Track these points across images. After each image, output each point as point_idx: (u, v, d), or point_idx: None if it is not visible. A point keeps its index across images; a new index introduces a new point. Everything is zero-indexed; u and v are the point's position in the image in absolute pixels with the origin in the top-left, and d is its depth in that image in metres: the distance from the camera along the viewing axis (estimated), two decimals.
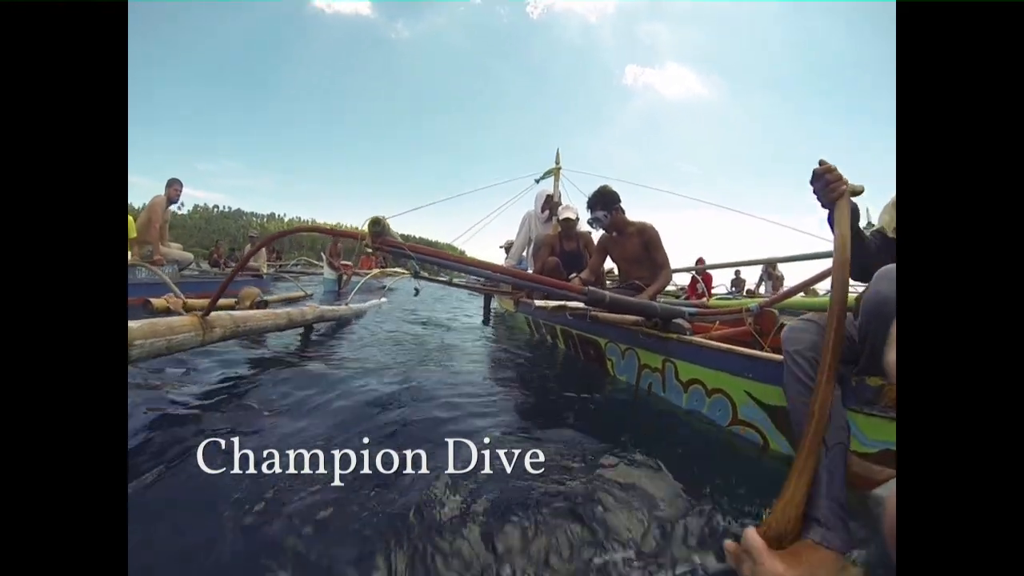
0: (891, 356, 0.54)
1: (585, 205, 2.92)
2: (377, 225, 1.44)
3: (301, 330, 3.07)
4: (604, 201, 2.77)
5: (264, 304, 3.07)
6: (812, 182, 1.25)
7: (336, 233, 1.76)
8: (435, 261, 1.65)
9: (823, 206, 1.25)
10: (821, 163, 1.23)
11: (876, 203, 1.47)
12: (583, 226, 3.58)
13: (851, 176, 1.21)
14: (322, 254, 10.17)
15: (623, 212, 2.81)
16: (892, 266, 1.02)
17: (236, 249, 14.51)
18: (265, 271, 9.39)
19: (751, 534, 0.83)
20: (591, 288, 1.79)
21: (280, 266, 11.99)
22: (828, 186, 1.20)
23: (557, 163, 4.97)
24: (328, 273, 9.14)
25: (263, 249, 8.79)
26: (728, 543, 0.87)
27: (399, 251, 1.51)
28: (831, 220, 1.23)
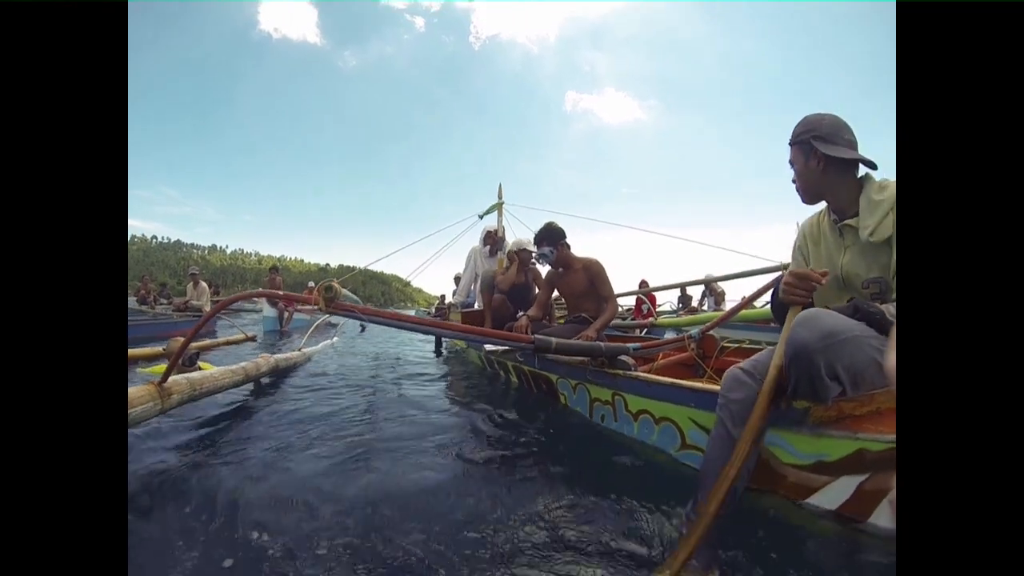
0: (891, 360, 0.57)
1: (532, 240, 3.02)
2: (330, 291, 1.48)
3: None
4: (550, 237, 2.87)
5: (196, 357, 2.93)
6: (791, 277, 1.29)
7: (290, 297, 1.77)
8: (385, 323, 1.69)
9: (780, 297, 1.31)
10: (822, 273, 1.26)
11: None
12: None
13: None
14: (260, 290, 9.57)
15: (568, 247, 2.92)
16: (810, 311, 1.18)
17: (167, 284, 13.68)
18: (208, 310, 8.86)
19: None
20: (538, 336, 1.87)
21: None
22: (797, 292, 1.27)
23: (500, 198, 5.09)
24: (268, 311, 8.63)
25: (206, 288, 8.38)
26: None
27: (352, 314, 1.54)
28: (776, 305, 1.35)
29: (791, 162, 1.40)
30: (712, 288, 9.18)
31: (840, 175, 1.31)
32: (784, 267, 2.45)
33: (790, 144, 1.39)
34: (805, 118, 1.36)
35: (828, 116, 1.33)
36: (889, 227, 1.22)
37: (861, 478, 1.18)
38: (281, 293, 1.98)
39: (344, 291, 1.48)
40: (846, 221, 1.33)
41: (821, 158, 1.31)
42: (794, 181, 1.40)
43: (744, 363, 1.34)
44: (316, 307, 1.43)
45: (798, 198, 1.40)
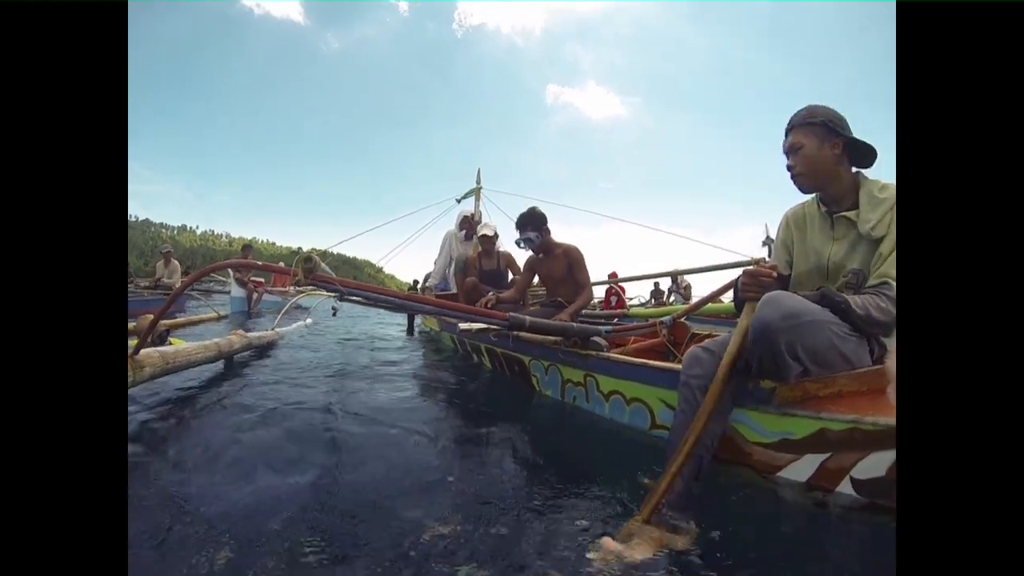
0: (891, 361, 0.59)
1: (514, 225, 3.01)
2: (309, 262, 1.45)
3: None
4: (534, 222, 2.88)
5: (167, 334, 2.89)
6: (746, 277, 1.32)
7: (269, 268, 1.75)
8: (365, 295, 1.68)
9: (738, 293, 1.36)
10: (758, 262, 1.33)
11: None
12: (506, 246, 3.70)
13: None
14: (229, 269, 9.33)
15: (550, 233, 2.94)
16: (775, 293, 1.23)
17: (132, 266, 13.15)
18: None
19: (603, 542, 1.00)
20: (512, 314, 1.91)
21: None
22: (751, 288, 1.29)
23: (478, 183, 5.09)
24: (236, 291, 8.35)
25: (177, 265, 8.11)
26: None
27: (331, 287, 1.53)
28: (738, 300, 1.38)
29: (794, 146, 1.38)
30: (679, 283, 9.36)
31: (846, 164, 1.36)
32: (755, 261, 2.51)
33: (796, 126, 1.37)
34: (811, 105, 1.38)
35: (831, 108, 1.36)
36: (886, 226, 1.26)
37: (823, 456, 1.22)
38: (260, 263, 1.95)
39: (323, 265, 1.47)
40: (843, 213, 1.36)
41: (840, 144, 1.34)
42: (791, 167, 1.39)
43: (703, 343, 1.43)
44: (295, 278, 1.41)
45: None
